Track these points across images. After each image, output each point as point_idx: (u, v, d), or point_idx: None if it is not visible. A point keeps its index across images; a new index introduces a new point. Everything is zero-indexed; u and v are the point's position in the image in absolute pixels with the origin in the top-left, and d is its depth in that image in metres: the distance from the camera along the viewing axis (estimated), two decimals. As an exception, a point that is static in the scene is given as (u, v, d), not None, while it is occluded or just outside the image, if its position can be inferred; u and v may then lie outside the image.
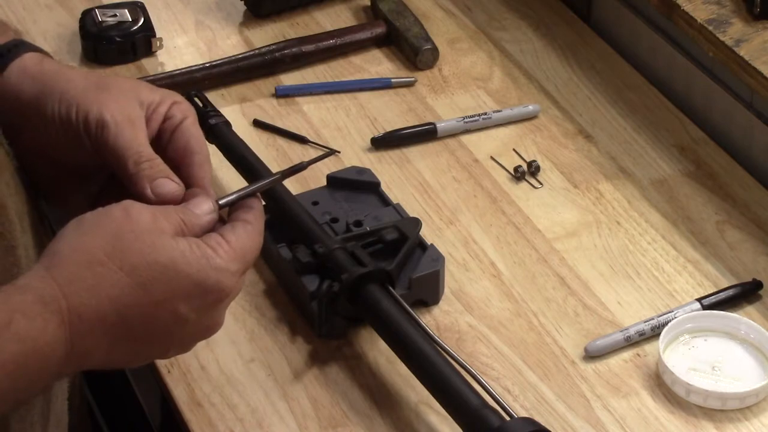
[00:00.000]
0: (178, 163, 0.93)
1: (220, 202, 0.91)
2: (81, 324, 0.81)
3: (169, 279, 0.83)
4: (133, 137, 0.92)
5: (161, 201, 0.90)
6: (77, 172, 0.97)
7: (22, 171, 0.97)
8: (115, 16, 1.44)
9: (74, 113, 0.93)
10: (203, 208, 0.88)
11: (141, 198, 0.90)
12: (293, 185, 1.23)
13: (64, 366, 0.82)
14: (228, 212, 0.91)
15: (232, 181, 1.24)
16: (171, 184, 0.90)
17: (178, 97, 0.97)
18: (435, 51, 1.42)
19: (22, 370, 0.79)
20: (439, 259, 1.13)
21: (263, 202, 0.93)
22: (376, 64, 1.43)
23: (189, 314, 0.84)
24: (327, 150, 1.29)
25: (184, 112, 0.96)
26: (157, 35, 1.44)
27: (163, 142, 0.95)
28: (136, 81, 0.98)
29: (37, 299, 0.80)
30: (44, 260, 0.82)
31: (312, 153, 1.30)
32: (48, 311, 0.80)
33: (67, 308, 0.80)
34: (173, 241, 0.84)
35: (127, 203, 0.85)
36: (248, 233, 0.88)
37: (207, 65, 1.39)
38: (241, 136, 1.25)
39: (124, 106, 0.93)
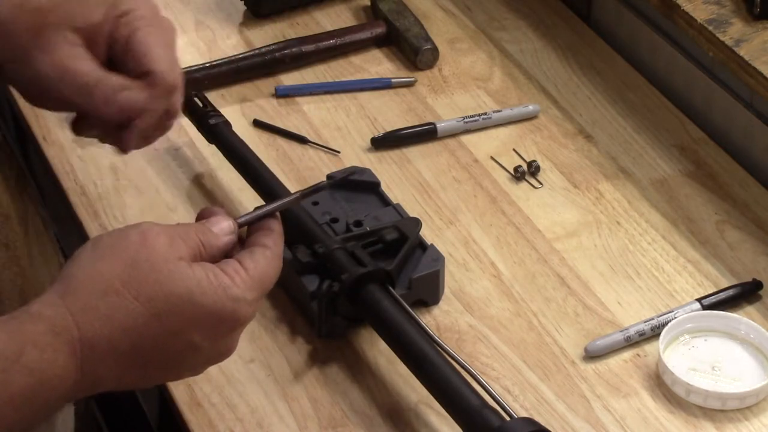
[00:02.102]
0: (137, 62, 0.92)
1: (239, 221, 0.89)
2: (93, 353, 0.80)
3: (185, 310, 0.82)
4: (73, 79, 0.91)
5: (126, 112, 0.90)
6: (52, 96, 0.96)
7: (27, 175, 0.97)
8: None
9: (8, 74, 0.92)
10: (222, 228, 0.87)
11: (108, 116, 0.90)
12: (293, 185, 1.23)
13: (74, 393, 0.81)
14: (246, 233, 0.89)
15: (232, 181, 1.24)
16: (133, 94, 0.91)
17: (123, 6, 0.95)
18: (435, 51, 1.42)
19: (30, 401, 0.78)
20: (439, 259, 1.13)
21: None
22: (376, 64, 1.43)
23: (203, 343, 0.84)
24: (329, 150, 1.29)
25: (130, 25, 0.94)
26: (157, 35, 1.44)
27: (118, 51, 0.93)
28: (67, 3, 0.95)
29: (49, 329, 0.79)
30: (59, 286, 0.81)
31: (312, 153, 1.30)
32: (59, 341, 0.79)
33: (79, 338, 0.79)
34: (190, 270, 0.82)
35: (145, 227, 0.83)
36: (267, 259, 0.87)
37: (207, 65, 1.39)
38: (241, 136, 1.25)
39: (55, 49, 0.92)
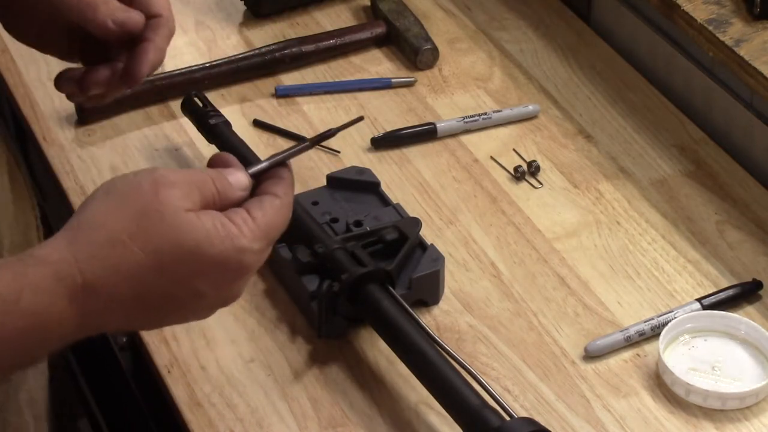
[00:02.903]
0: None
1: (250, 172, 0.89)
2: (96, 301, 0.81)
3: (191, 261, 0.82)
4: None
5: (127, 30, 0.94)
6: (54, 23, 0.99)
7: (24, 169, 0.97)
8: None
9: None
10: (239, 181, 0.87)
11: (109, 33, 0.94)
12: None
13: (75, 336, 0.82)
14: (256, 182, 0.89)
15: (232, 181, 1.24)
16: (136, 15, 0.95)
17: None
18: (435, 51, 1.42)
19: (26, 342, 0.80)
20: (439, 259, 1.13)
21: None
22: (376, 64, 1.43)
23: (208, 290, 0.84)
24: (329, 150, 1.29)
25: None
26: (157, 35, 1.44)
27: None
28: None
29: (52, 274, 0.79)
30: (67, 233, 0.82)
31: (312, 153, 1.30)
32: (60, 287, 0.80)
33: (82, 285, 0.80)
34: (198, 221, 0.83)
35: (159, 175, 0.84)
36: (275, 209, 0.87)
37: (207, 65, 1.39)
38: (241, 136, 1.25)
39: None
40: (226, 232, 0.83)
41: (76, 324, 0.81)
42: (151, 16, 0.97)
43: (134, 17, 0.96)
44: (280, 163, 0.90)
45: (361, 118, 1.01)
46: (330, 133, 0.96)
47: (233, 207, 0.87)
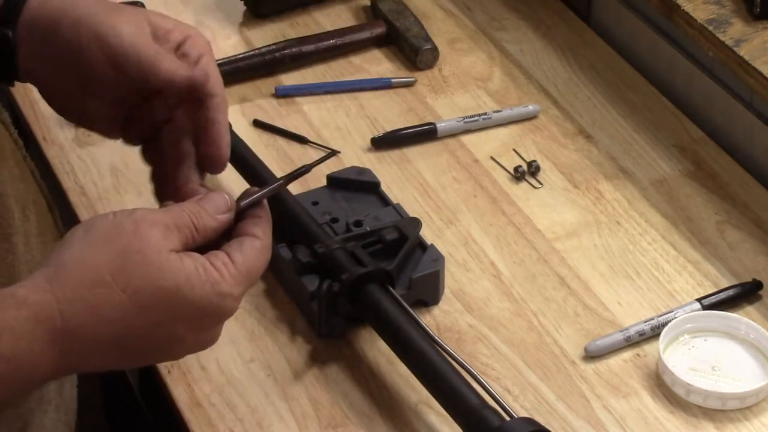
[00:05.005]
0: (194, 105, 0.92)
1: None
2: (74, 343, 0.80)
3: (171, 304, 0.82)
4: (142, 50, 0.91)
5: (193, 84, 0.91)
6: (104, 96, 0.95)
7: (31, 161, 0.97)
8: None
9: (84, 34, 0.91)
10: (218, 206, 0.86)
11: (170, 84, 0.90)
12: (293, 185, 1.23)
13: (51, 376, 0.81)
14: (234, 222, 0.88)
15: (232, 182, 1.24)
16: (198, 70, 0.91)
17: (193, 30, 0.95)
18: (435, 51, 1.42)
19: (1, 385, 0.78)
20: (439, 259, 1.13)
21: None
22: (376, 64, 1.43)
23: (186, 334, 0.84)
24: (328, 151, 1.29)
25: (199, 48, 0.93)
26: (157, 35, 1.44)
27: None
28: (145, 9, 0.96)
29: (32, 316, 0.78)
30: (48, 271, 0.81)
31: (312, 153, 1.30)
32: (40, 329, 0.78)
33: (62, 328, 0.79)
34: (180, 263, 0.82)
35: (138, 216, 0.83)
36: (256, 251, 0.86)
37: (207, 65, 1.39)
38: (241, 136, 1.25)
39: (134, 21, 0.92)
40: (207, 277, 0.83)
41: (52, 366, 0.80)
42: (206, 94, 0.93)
43: (199, 73, 0.92)
44: (257, 203, 0.89)
45: (336, 152, 0.99)
46: (304, 170, 0.94)
47: (218, 236, 0.86)
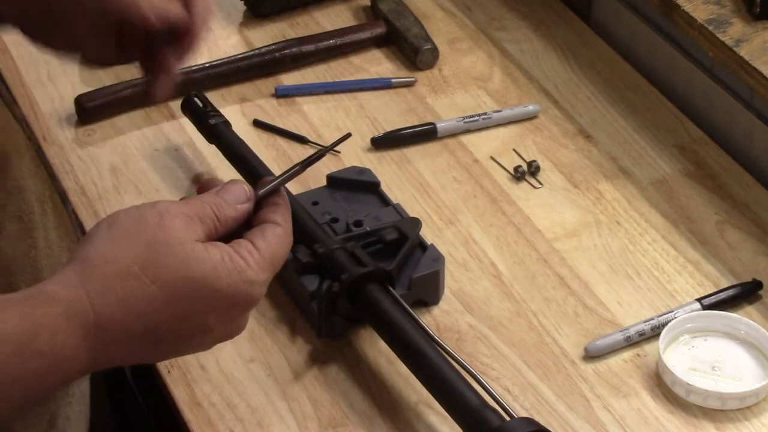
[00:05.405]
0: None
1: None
2: (106, 336, 0.80)
3: (200, 294, 0.82)
4: None
5: (168, 23, 0.93)
6: (89, 24, 0.97)
7: (43, 155, 0.97)
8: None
9: None
10: (237, 196, 0.87)
11: (150, 25, 0.93)
12: (293, 185, 1.23)
13: (84, 371, 0.82)
14: (253, 211, 0.89)
15: (232, 181, 1.24)
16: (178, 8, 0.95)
17: None
18: (435, 51, 1.42)
19: (39, 383, 0.79)
20: (439, 259, 1.13)
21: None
22: (376, 64, 1.43)
23: (216, 324, 0.84)
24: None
25: None
26: (157, 35, 1.44)
27: None
28: None
29: (64, 312, 0.79)
30: (76, 266, 0.81)
31: (312, 153, 1.30)
32: (73, 325, 0.79)
33: (94, 322, 0.79)
34: (206, 253, 0.82)
35: (162, 207, 0.83)
36: (278, 237, 0.87)
37: (207, 65, 1.39)
38: (241, 136, 1.25)
39: None
40: (234, 266, 0.83)
41: (86, 361, 0.80)
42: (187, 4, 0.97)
43: (176, 11, 0.94)
44: (275, 191, 0.90)
45: (349, 135, 1.00)
46: (320, 155, 0.95)
47: (238, 226, 0.87)
